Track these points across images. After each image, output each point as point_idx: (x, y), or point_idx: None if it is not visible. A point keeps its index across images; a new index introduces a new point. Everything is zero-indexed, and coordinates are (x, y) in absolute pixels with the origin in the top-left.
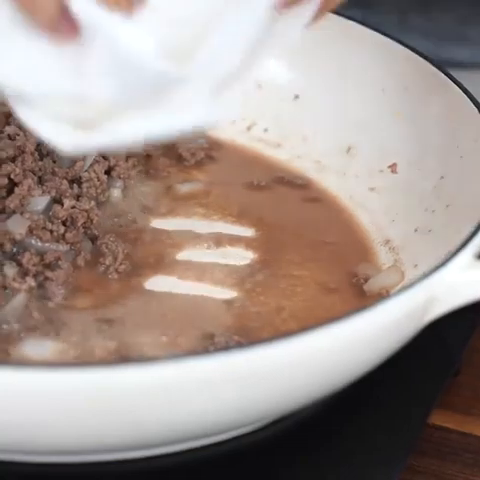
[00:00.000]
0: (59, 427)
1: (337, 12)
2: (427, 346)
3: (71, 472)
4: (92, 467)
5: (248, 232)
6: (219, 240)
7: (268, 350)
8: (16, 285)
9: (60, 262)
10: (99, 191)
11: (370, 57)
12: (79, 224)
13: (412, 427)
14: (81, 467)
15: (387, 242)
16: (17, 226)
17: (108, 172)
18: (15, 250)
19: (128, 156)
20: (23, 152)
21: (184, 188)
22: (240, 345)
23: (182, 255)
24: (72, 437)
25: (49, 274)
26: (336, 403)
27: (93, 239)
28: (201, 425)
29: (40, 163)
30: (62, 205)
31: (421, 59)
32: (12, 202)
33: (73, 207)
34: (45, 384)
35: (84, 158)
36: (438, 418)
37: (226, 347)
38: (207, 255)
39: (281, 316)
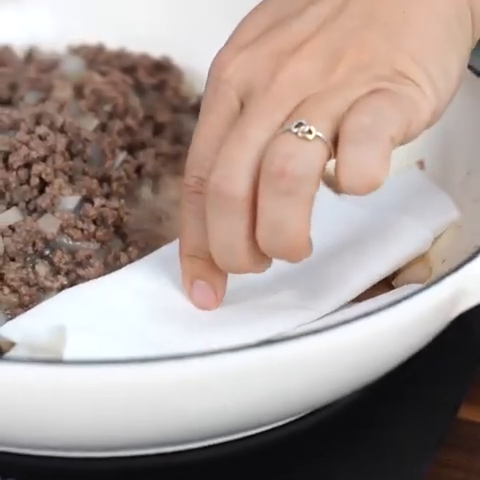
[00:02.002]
0: (88, 423)
1: None
2: (456, 340)
3: (97, 468)
4: (123, 462)
5: None
6: None
7: (299, 344)
8: (48, 283)
9: (91, 260)
10: (129, 190)
11: None
12: (109, 222)
13: (441, 421)
14: (110, 462)
15: None
16: (48, 225)
17: (138, 171)
18: (47, 249)
19: (157, 155)
20: (54, 152)
21: None
22: (272, 340)
23: None
24: (104, 432)
25: (80, 272)
26: (363, 397)
27: (123, 237)
28: (241, 419)
29: (70, 163)
30: (92, 204)
31: None
32: (43, 201)
33: (103, 206)
34: (79, 380)
35: (114, 157)
36: (467, 412)
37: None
38: None
39: None
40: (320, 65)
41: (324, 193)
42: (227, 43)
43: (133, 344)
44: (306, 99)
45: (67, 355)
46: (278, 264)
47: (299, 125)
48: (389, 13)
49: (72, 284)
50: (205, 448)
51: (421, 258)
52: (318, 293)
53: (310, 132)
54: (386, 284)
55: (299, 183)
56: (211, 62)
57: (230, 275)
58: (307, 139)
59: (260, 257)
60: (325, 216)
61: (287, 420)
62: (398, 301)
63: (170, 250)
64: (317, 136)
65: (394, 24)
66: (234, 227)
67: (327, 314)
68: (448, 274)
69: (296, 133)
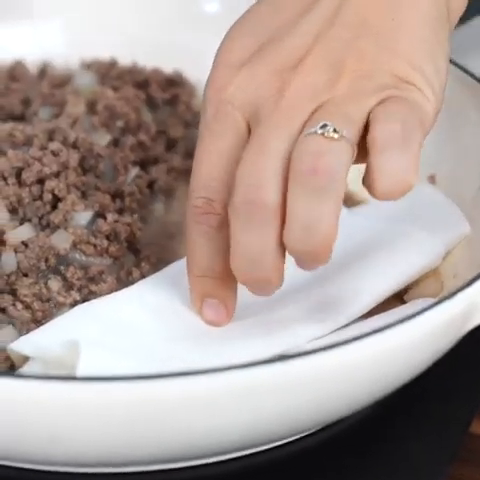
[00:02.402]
0: (101, 440)
1: None
2: (468, 354)
3: None
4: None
5: None
6: None
7: (310, 360)
8: (61, 299)
9: (104, 276)
10: (142, 205)
11: None
12: (122, 238)
13: (454, 436)
14: (117, 478)
15: None
16: (61, 241)
17: (150, 186)
18: (60, 264)
19: (170, 170)
20: (66, 168)
21: None
22: (282, 357)
23: None
24: (116, 448)
25: (93, 288)
26: (375, 413)
27: (136, 252)
28: (252, 435)
29: (83, 178)
30: (105, 219)
31: (460, 71)
32: (56, 217)
33: (116, 221)
34: (90, 396)
35: (126, 172)
36: None
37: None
38: None
39: None
40: (324, 77)
41: None
42: (218, 64)
43: (145, 360)
44: (321, 106)
45: (80, 371)
46: (288, 277)
47: (324, 126)
48: (379, 21)
49: (85, 300)
50: (214, 464)
51: (432, 273)
52: (329, 307)
53: (335, 131)
54: (398, 299)
55: (331, 179)
56: (206, 84)
57: (239, 290)
58: (334, 138)
59: (282, 268)
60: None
61: (298, 436)
62: (410, 316)
63: (181, 266)
64: (342, 136)
65: (386, 32)
66: (266, 236)
67: (338, 329)
68: (460, 289)
69: (323, 134)
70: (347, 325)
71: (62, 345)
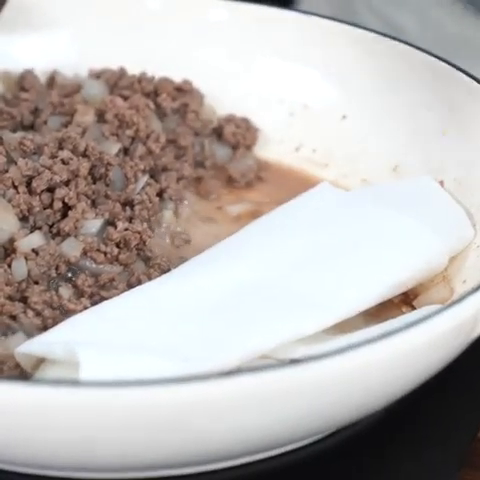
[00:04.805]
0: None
1: (383, 34)
2: (476, 359)
3: None
4: None
5: None
6: None
7: (321, 364)
8: (72, 306)
9: (114, 283)
10: (151, 213)
11: (417, 77)
12: (132, 246)
13: (463, 441)
14: None
15: None
16: (72, 249)
17: (160, 194)
18: (70, 272)
19: (179, 178)
20: (77, 176)
21: (235, 209)
22: (294, 361)
23: None
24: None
25: (104, 294)
26: (385, 417)
27: (146, 260)
28: (268, 438)
29: (93, 186)
30: (115, 227)
31: (467, 78)
32: (66, 225)
33: (126, 229)
34: (100, 401)
35: (136, 181)
36: None
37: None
38: None
39: None
40: None
41: (335, 193)
42: None
43: (150, 362)
44: None
45: (83, 373)
46: (290, 256)
47: None
48: None
49: None
50: (223, 470)
51: (442, 278)
52: (334, 293)
53: None
54: (407, 304)
55: None
56: None
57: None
58: None
59: None
60: (336, 214)
61: (308, 441)
62: (419, 321)
63: (186, 269)
64: None
65: None
66: None
67: (347, 333)
68: (469, 294)
69: None
70: (357, 330)
71: (65, 347)
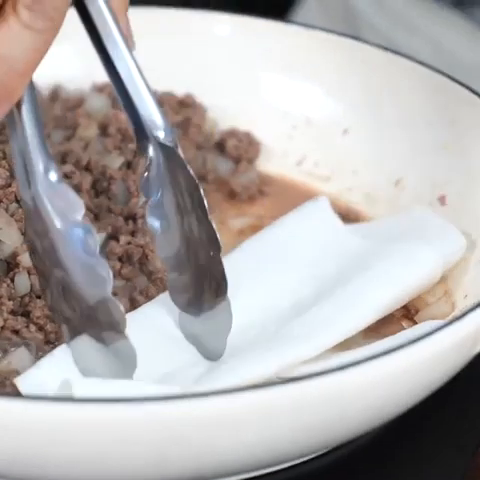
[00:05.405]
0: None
1: (385, 48)
2: (476, 376)
3: None
4: None
5: None
6: None
7: (322, 381)
8: None
9: (117, 297)
10: None
11: (418, 91)
12: (135, 260)
13: (464, 456)
14: None
15: None
16: None
17: None
18: None
19: None
20: (79, 190)
21: (237, 223)
22: (296, 378)
23: None
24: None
25: None
26: (385, 433)
27: (148, 274)
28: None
29: (96, 200)
30: (118, 241)
31: (468, 92)
32: None
33: (129, 243)
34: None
35: (139, 195)
36: None
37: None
38: None
39: None
40: None
41: (327, 224)
42: None
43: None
44: None
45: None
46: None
47: None
48: None
49: None
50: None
51: (443, 293)
52: (325, 324)
53: None
54: (408, 319)
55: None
56: None
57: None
58: None
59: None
60: (328, 247)
61: (308, 457)
62: (421, 337)
63: None
64: None
65: None
66: None
67: (348, 350)
68: (471, 309)
69: None
70: (357, 346)
71: (59, 384)
